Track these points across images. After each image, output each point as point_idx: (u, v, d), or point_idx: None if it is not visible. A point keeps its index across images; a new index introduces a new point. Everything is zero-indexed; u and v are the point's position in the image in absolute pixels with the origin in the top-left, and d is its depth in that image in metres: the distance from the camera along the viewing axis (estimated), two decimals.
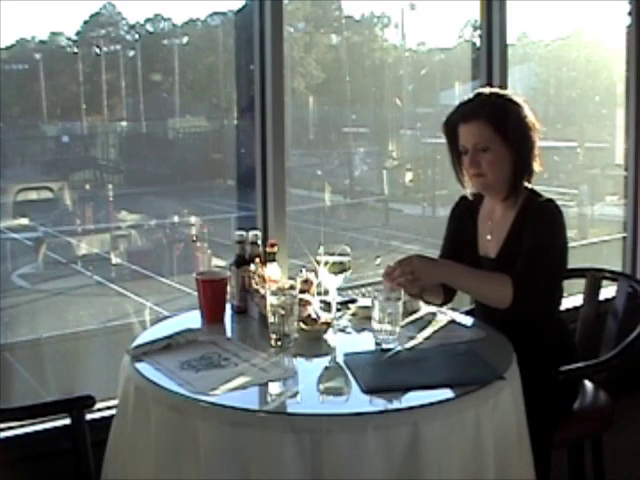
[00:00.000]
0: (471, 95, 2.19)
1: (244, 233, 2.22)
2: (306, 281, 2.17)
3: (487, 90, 2.22)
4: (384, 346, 1.85)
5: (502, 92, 2.23)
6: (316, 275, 2.13)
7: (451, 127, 2.16)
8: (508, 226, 2.14)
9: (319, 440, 1.44)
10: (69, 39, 2.93)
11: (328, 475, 1.45)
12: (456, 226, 2.31)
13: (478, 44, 3.29)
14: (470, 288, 2.08)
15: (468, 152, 2.11)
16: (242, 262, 2.18)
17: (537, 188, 2.17)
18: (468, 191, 2.26)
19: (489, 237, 2.19)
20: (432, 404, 1.53)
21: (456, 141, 2.15)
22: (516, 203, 2.13)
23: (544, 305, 2.05)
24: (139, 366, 1.74)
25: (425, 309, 2.21)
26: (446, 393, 1.59)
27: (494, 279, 2.01)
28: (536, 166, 2.14)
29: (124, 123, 3.20)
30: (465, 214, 2.29)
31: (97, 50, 2.99)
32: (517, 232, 2.10)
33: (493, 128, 2.07)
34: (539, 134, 2.14)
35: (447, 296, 2.23)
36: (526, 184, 2.15)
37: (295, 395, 1.66)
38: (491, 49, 3.22)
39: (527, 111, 2.14)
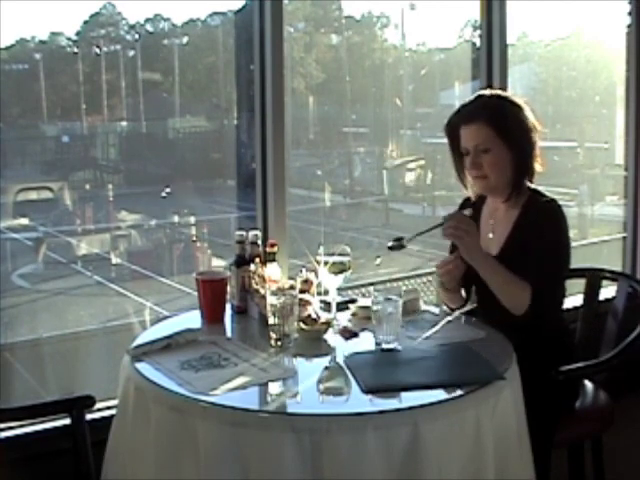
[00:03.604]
0: (472, 97, 2.20)
1: (244, 233, 2.22)
2: (306, 281, 2.17)
3: (488, 92, 2.23)
4: (384, 346, 1.85)
5: (503, 94, 2.23)
6: (316, 275, 2.13)
7: (452, 129, 2.17)
8: (511, 225, 2.14)
9: (319, 440, 1.44)
10: (69, 39, 2.93)
11: (328, 475, 1.45)
12: None
13: (478, 44, 3.29)
14: (496, 281, 2.05)
15: (469, 154, 2.12)
16: (242, 262, 2.19)
17: (539, 188, 2.17)
18: (470, 192, 2.26)
19: (491, 235, 2.20)
20: (432, 404, 1.53)
21: (458, 143, 2.16)
22: (518, 203, 2.14)
23: (550, 308, 2.07)
24: (139, 366, 1.74)
25: (425, 309, 2.21)
26: (446, 393, 1.60)
27: (519, 285, 2.00)
28: (537, 166, 2.15)
29: (124, 123, 3.20)
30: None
31: (97, 50, 2.99)
32: (519, 231, 2.11)
33: (494, 129, 2.07)
34: (540, 135, 2.15)
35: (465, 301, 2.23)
36: (529, 184, 2.16)
37: (295, 395, 1.66)
38: (491, 49, 3.22)
39: (527, 112, 2.14)
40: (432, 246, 2.68)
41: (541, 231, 2.03)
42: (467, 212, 2.11)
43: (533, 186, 2.17)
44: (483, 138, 2.08)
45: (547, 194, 2.15)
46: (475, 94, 2.21)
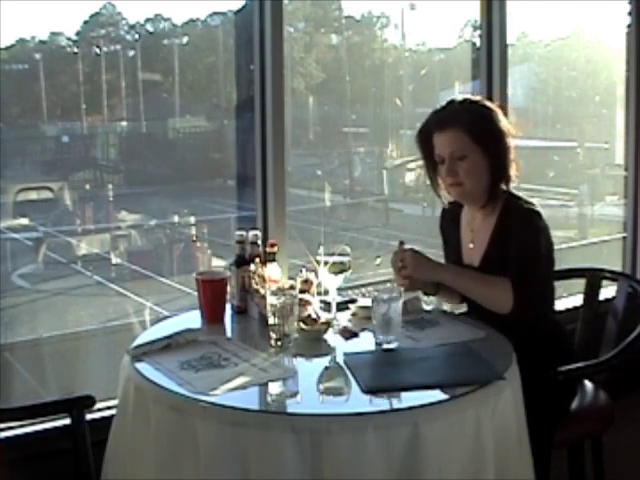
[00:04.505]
0: (444, 103, 2.16)
1: (244, 233, 2.22)
2: (306, 281, 2.17)
3: (460, 97, 2.17)
4: (384, 346, 1.85)
5: (475, 98, 2.20)
6: (316, 275, 2.13)
7: (425, 136, 2.13)
8: (489, 233, 2.12)
9: (319, 440, 1.44)
10: (69, 39, 2.93)
11: (328, 475, 1.45)
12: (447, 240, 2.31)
13: (478, 44, 3.29)
14: (470, 290, 2.07)
15: (444, 161, 2.08)
16: (242, 262, 2.19)
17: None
18: (444, 201, 2.25)
19: (471, 245, 2.18)
20: (432, 404, 1.54)
21: (431, 150, 2.12)
22: (495, 209, 2.11)
23: (540, 308, 2.06)
24: (139, 366, 1.74)
25: (425, 309, 2.21)
26: (446, 393, 1.60)
27: (495, 282, 2.00)
28: (512, 171, 2.11)
29: (124, 123, 3.20)
30: (450, 224, 2.28)
31: (97, 50, 2.99)
32: (498, 238, 2.09)
33: (469, 135, 2.04)
34: (514, 139, 2.11)
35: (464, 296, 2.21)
36: (504, 188, 2.12)
37: (295, 395, 1.67)
38: (491, 49, 3.22)
39: (501, 116, 2.11)
40: (431, 246, 2.68)
41: (520, 235, 2.01)
42: (399, 248, 2.11)
43: (506, 188, 2.13)
44: (459, 145, 2.05)
45: (524, 197, 2.12)
46: (447, 100, 2.16)
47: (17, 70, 2.85)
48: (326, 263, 2.02)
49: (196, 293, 2.16)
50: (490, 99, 2.97)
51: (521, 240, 2.01)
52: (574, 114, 4.34)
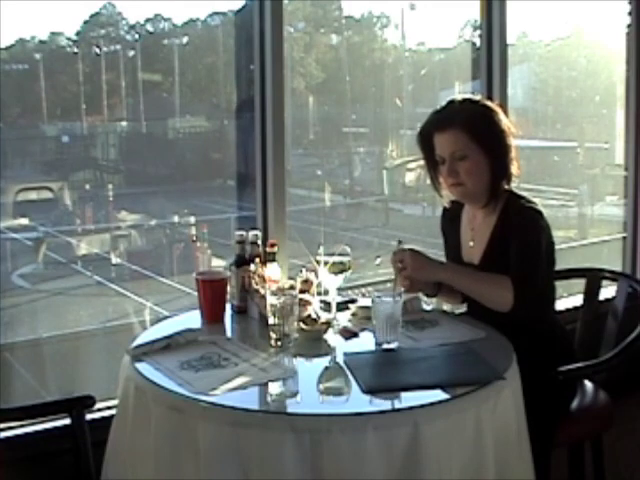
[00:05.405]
0: (444, 103, 2.15)
1: (244, 233, 2.22)
2: (306, 281, 2.17)
3: (460, 97, 2.17)
4: (384, 346, 1.85)
5: (475, 98, 2.20)
6: (316, 275, 2.13)
7: (426, 137, 2.13)
8: (490, 231, 2.12)
9: (319, 440, 1.44)
10: (69, 39, 2.93)
11: (328, 475, 1.45)
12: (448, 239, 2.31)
13: (478, 44, 3.29)
14: (470, 288, 2.06)
15: (445, 162, 2.08)
16: (242, 262, 2.19)
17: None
18: (445, 200, 2.25)
19: (472, 243, 2.18)
20: (432, 404, 1.53)
21: (432, 151, 2.12)
22: (496, 208, 2.11)
23: (540, 307, 2.06)
24: (139, 366, 1.74)
25: (425, 309, 2.21)
26: (446, 393, 1.59)
27: (495, 280, 2.00)
28: (514, 169, 2.11)
29: (124, 123, 3.20)
30: (450, 223, 2.28)
31: (97, 50, 2.99)
32: (499, 237, 2.08)
33: (469, 135, 2.04)
34: (515, 137, 2.11)
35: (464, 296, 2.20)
36: (506, 187, 2.12)
37: (295, 395, 1.66)
38: (491, 49, 3.22)
39: (501, 115, 2.11)
40: (431, 246, 2.68)
41: (520, 234, 2.01)
42: (398, 248, 2.10)
43: (508, 187, 2.13)
44: (459, 145, 2.04)
45: (525, 195, 2.12)
46: (447, 100, 2.15)
47: (17, 70, 2.85)
48: (326, 263, 2.02)
49: (196, 293, 2.16)
50: (490, 99, 2.97)
51: (522, 239, 2.01)
52: (574, 114, 4.34)
